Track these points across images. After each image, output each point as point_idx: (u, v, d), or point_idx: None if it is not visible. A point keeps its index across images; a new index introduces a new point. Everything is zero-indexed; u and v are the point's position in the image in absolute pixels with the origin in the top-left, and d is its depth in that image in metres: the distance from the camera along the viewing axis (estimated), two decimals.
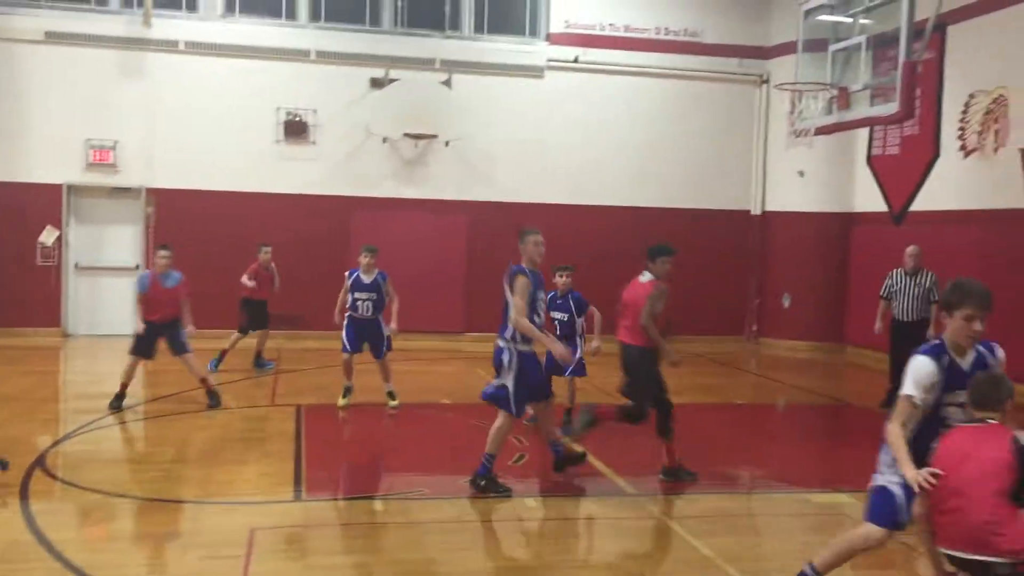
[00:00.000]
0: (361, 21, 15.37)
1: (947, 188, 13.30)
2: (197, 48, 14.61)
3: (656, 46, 15.98)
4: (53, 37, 14.15)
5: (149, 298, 9.46)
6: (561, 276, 8.74)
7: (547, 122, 15.66)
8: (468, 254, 15.52)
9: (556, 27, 15.74)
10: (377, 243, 14.91)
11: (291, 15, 15.13)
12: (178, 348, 9.56)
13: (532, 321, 6.77)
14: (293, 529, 6.04)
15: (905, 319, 10.50)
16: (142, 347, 9.47)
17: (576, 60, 15.72)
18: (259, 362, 12.09)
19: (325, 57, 14.99)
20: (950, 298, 4.31)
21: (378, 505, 6.52)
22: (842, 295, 15.35)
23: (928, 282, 10.53)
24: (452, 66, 15.22)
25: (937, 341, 4.39)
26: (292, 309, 14.23)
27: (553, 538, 6.12)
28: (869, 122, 11.28)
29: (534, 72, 15.67)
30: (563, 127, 15.71)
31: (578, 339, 8.69)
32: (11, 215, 14.10)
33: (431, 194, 15.43)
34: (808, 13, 11.04)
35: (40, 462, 7.22)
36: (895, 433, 4.30)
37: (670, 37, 16.05)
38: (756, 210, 16.44)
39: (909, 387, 4.33)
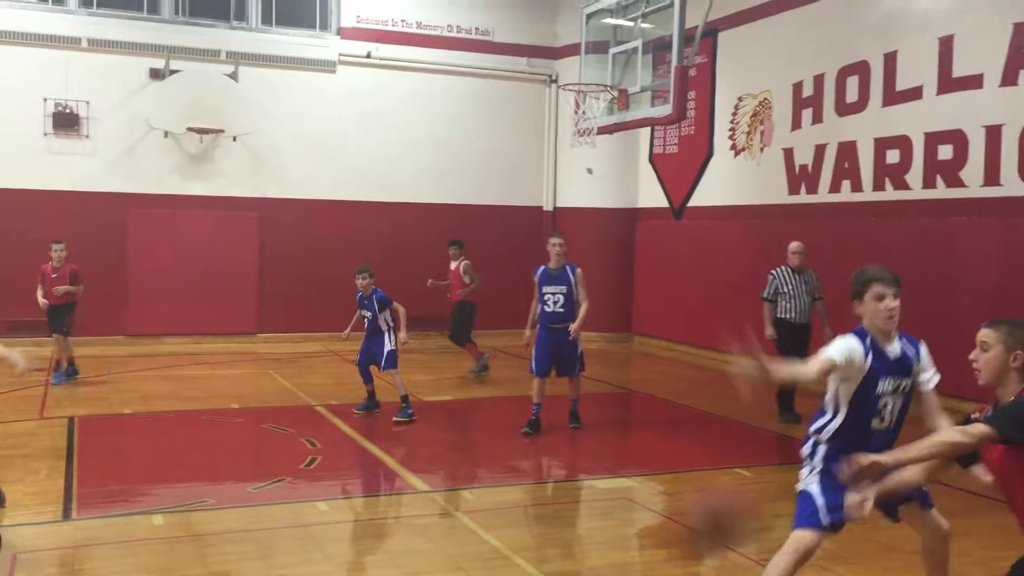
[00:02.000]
0: (138, 8, 14.55)
1: (720, 185, 14.19)
2: None
3: (448, 43, 16.10)
4: None
5: None
6: (359, 279, 9.37)
7: (340, 118, 15.44)
8: (260, 252, 15.06)
9: (348, 22, 15.54)
10: (161, 242, 14.36)
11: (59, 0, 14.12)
12: None
13: (543, 310, 8.93)
14: (63, 551, 5.65)
15: (795, 320, 9.58)
16: None
17: (369, 56, 15.58)
18: (69, 370, 11.25)
19: (98, 45, 14.08)
20: (855, 286, 4.10)
21: (158, 519, 6.21)
22: (628, 286, 16.06)
23: (813, 280, 9.72)
24: (239, 58, 14.70)
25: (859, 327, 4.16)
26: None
27: (344, 541, 6.05)
28: (646, 123, 11.84)
29: (326, 67, 15.40)
30: (357, 123, 15.54)
31: (387, 334, 9.35)
32: None
33: (219, 191, 14.84)
34: (590, 16, 11.46)
35: None
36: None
37: (462, 35, 16.21)
38: (548, 206, 16.91)
39: (831, 351, 4.08)
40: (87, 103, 14.01)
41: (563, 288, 8.83)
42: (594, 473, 7.83)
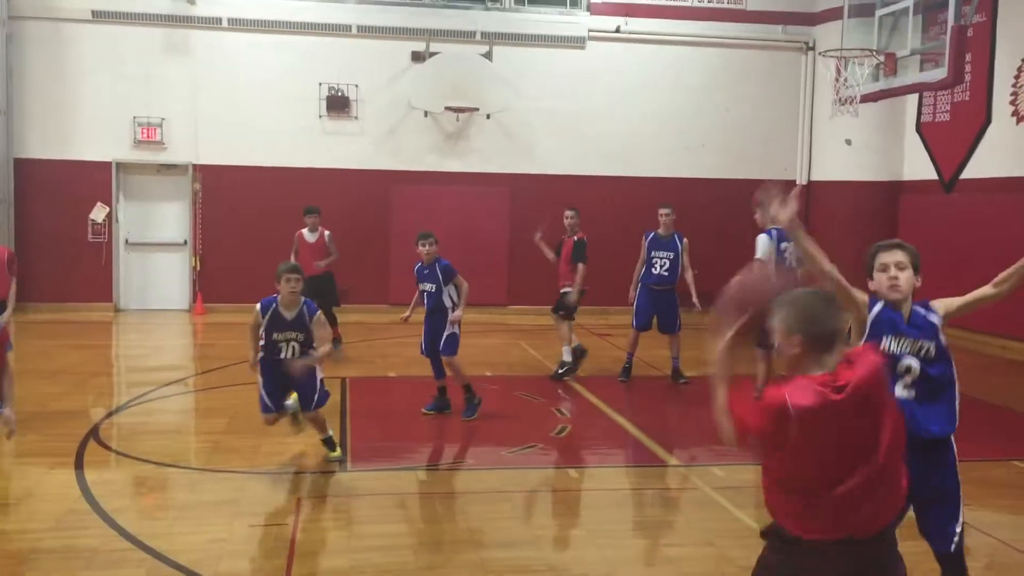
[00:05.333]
0: None
1: (998, 155, 13.01)
2: (240, 25, 14.72)
3: (699, 14, 15.77)
4: (100, 16, 14.35)
5: None
6: (422, 246, 8.01)
7: (589, 93, 15.56)
8: (511, 227, 15.52)
9: None
10: (418, 217, 15.11)
11: None
12: None
13: (648, 271, 9.87)
14: (338, 498, 6.15)
15: None
16: None
17: (618, 30, 15.57)
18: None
19: (366, 32, 15.02)
20: None
21: (421, 475, 6.61)
22: None
23: None
24: (493, 38, 15.16)
25: None
26: (339, 283, 14.43)
27: (595, 508, 6.16)
28: (917, 88, 11.05)
29: (575, 43, 15.56)
30: (605, 98, 15.61)
31: (450, 312, 8.01)
32: (62, 192, 14.38)
33: (473, 167, 15.45)
34: None
35: (94, 433, 7.42)
36: None
37: (713, 5, 15.83)
38: (802, 179, 16.21)
39: None
40: (356, 86, 15.00)
41: (671, 254, 9.73)
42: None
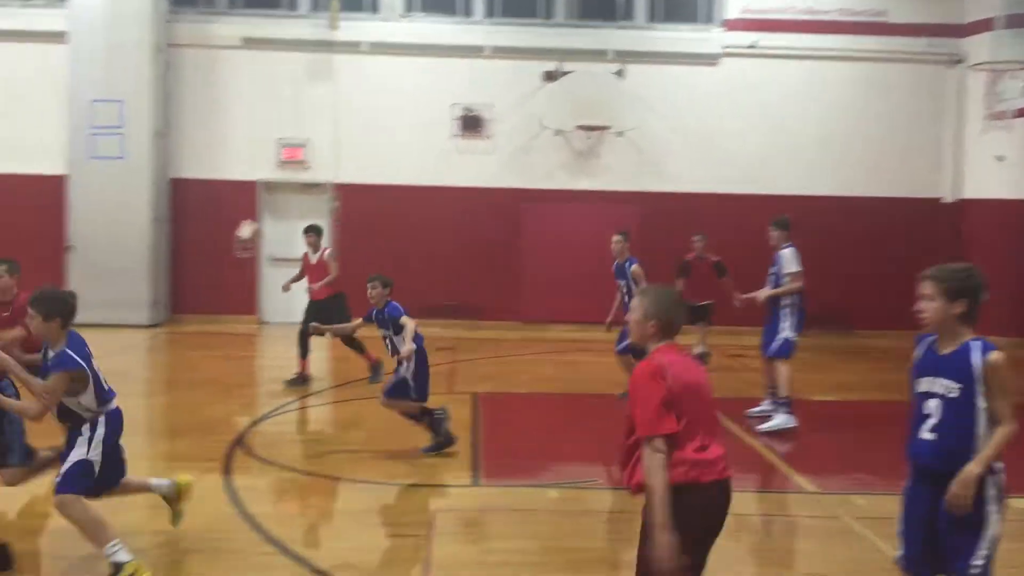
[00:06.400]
0: (534, 15, 15.57)
1: None
2: (379, 48, 15.24)
3: (839, 28, 15.36)
4: (250, 43, 15.12)
5: None
6: (370, 288, 7.84)
7: (721, 111, 15.36)
8: (641, 245, 15.37)
9: (732, 13, 15.41)
10: (549, 235, 15.24)
11: (466, 12, 15.51)
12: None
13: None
14: (471, 513, 6.24)
15: None
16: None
17: (753, 46, 15.33)
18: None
19: (499, 52, 15.28)
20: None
21: (552, 493, 6.63)
22: None
23: None
24: (625, 57, 15.17)
25: None
26: (469, 300, 14.72)
27: (728, 534, 6.02)
28: None
29: (708, 60, 15.42)
30: (738, 115, 15.37)
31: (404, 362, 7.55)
32: (212, 210, 15.16)
33: (603, 185, 15.46)
34: None
35: (239, 441, 7.77)
36: None
37: (854, 18, 15.39)
38: (949, 197, 15.53)
39: None
40: (490, 106, 15.26)
41: (623, 281, 10.03)
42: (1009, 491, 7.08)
